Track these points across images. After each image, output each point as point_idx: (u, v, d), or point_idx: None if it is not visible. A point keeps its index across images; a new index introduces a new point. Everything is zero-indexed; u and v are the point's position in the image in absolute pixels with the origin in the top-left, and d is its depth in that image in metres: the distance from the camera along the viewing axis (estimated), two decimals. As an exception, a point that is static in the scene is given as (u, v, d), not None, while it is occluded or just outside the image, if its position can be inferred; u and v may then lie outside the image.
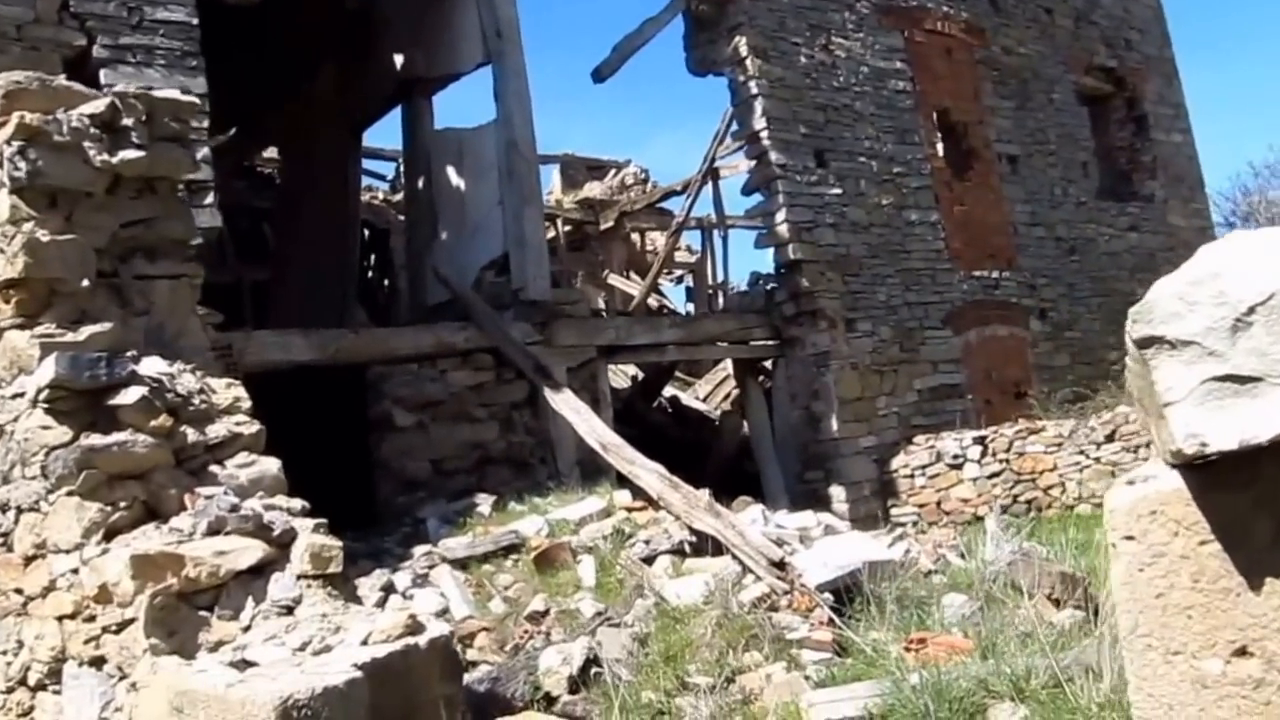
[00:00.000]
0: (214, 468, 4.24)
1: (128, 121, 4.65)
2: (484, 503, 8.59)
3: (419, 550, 7.77)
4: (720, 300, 19.16)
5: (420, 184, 11.32)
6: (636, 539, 7.77)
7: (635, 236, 22.85)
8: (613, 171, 25.31)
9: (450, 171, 11.09)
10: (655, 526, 7.99)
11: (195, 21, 7.75)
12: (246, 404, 4.52)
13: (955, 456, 11.17)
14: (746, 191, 11.92)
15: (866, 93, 12.68)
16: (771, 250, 11.77)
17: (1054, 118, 15.10)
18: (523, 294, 9.95)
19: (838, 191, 12.09)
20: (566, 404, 9.01)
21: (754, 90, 11.57)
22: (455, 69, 10.78)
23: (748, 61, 11.56)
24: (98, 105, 4.64)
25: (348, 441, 9.50)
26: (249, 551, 3.79)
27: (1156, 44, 17.13)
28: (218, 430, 4.31)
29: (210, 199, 7.70)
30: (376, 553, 8.08)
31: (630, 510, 8.21)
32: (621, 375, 15.49)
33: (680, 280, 24.54)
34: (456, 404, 9.32)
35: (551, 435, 9.59)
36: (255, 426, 4.46)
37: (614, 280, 21.27)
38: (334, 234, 12.10)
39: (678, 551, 7.53)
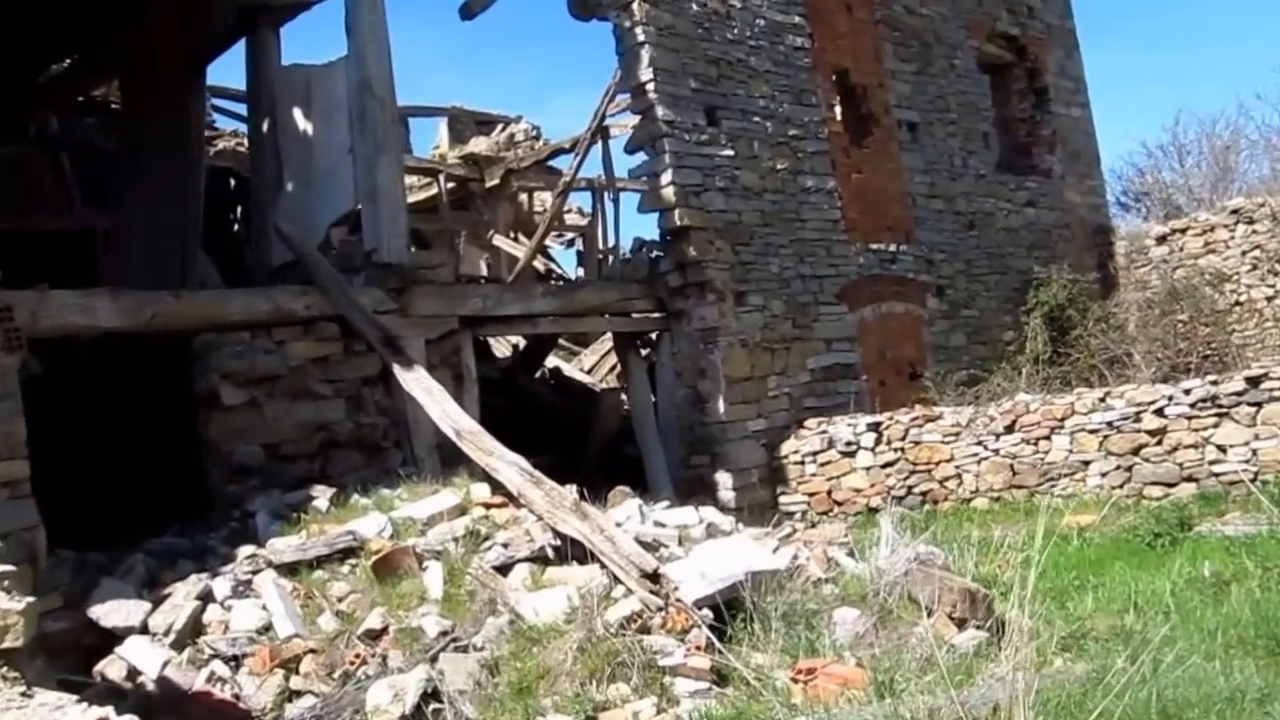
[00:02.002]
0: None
1: None
2: (321, 495, 7.53)
3: (244, 551, 6.76)
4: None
5: (265, 128, 10.08)
6: (494, 541, 6.83)
7: (524, 197, 21.70)
8: (500, 126, 24.15)
9: (297, 114, 9.88)
10: (516, 527, 7.05)
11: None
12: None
13: (848, 444, 10.46)
14: (630, 150, 10.94)
15: (762, 47, 11.78)
16: (657, 215, 10.83)
17: (955, 85, 14.47)
18: (376, 256, 8.86)
19: (729, 153, 11.19)
20: (418, 383, 7.97)
21: (640, 38, 10.57)
22: (303, -2, 9.56)
23: (634, 5, 10.54)
24: None
25: (176, 422, 8.33)
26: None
27: (1059, 13, 16.64)
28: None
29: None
30: (200, 551, 7.04)
31: (489, 507, 7.26)
32: (504, 343, 14.53)
33: (571, 244, 23.57)
34: (296, 379, 8.23)
35: (407, 416, 8.58)
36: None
37: (499, 242, 20.21)
38: (174, 181, 10.79)
39: (538, 559, 6.61)
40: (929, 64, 14.04)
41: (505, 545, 6.75)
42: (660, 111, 10.61)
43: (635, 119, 11.11)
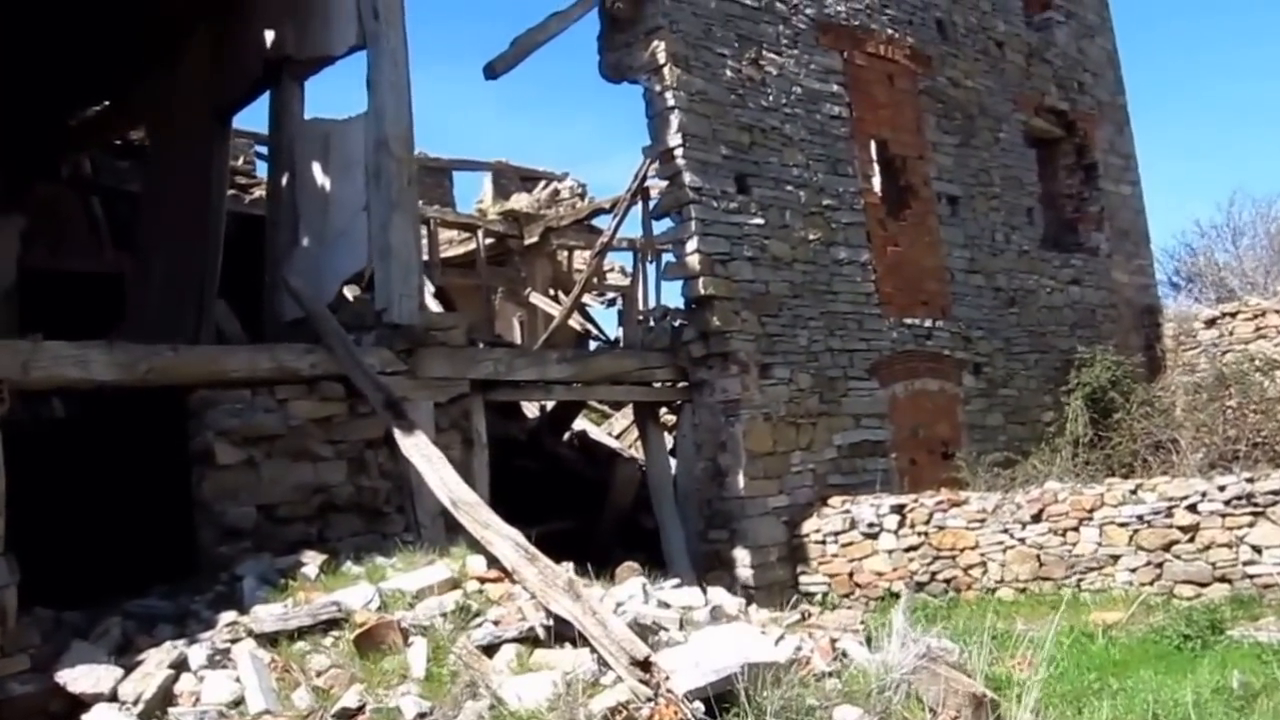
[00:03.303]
0: None
1: None
2: (311, 562, 7.25)
3: (225, 618, 6.48)
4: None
5: (284, 180, 9.97)
6: (485, 619, 6.50)
7: (563, 255, 21.66)
8: (544, 183, 24.22)
9: (315, 168, 9.76)
10: (510, 604, 6.71)
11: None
12: None
13: (871, 525, 10.05)
14: (657, 215, 10.76)
15: (798, 115, 11.57)
16: (681, 283, 10.58)
17: (999, 158, 14.18)
18: (386, 315, 8.65)
19: (759, 222, 10.94)
20: (417, 449, 7.69)
21: (670, 102, 10.39)
22: (327, 51, 9.46)
23: (666, 70, 10.39)
24: None
25: (170, 479, 8.14)
26: None
27: (1110, 89, 16.36)
28: None
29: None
30: (182, 615, 6.78)
31: (484, 582, 6.93)
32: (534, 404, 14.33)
33: (612, 304, 23.47)
34: (296, 439, 7.97)
35: (411, 481, 8.28)
36: None
37: (536, 299, 20.13)
38: (194, 228, 10.71)
39: (527, 639, 6.25)
40: (972, 137, 13.77)
41: (496, 623, 6.43)
42: (688, 178, 10.41)
43: (663, 183, 10.91)
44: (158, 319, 10.57)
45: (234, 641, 6.19)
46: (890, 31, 12.88)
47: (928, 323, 12.57)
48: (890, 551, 9.94)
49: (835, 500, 10.61)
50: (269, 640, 6.16)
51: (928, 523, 9.81)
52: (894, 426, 11.88)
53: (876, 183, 12.48)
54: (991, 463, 11.39)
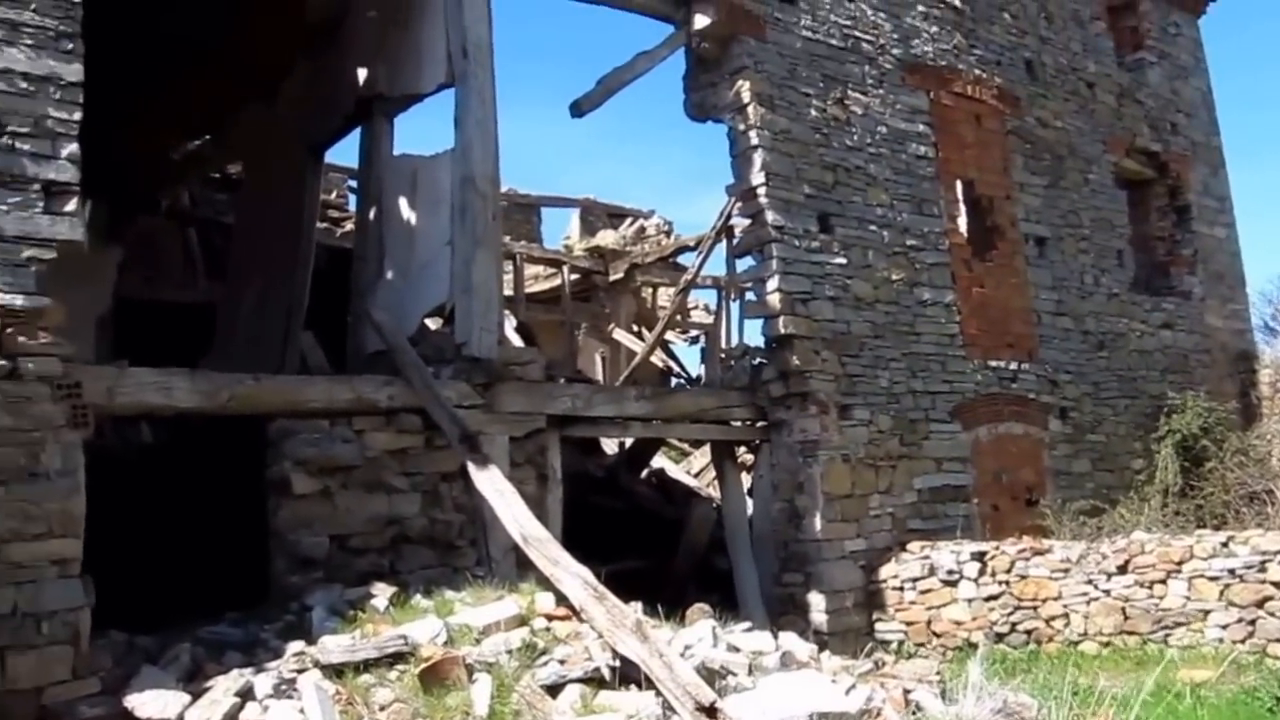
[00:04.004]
0: None
1: None
2: (381, 594, 7.27)
3: (292, 648, 6.51)
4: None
5: (371, 215, 10.15)
6: (551, 657, 6.44)
7: (648, 292, 21.70)
8: (630, 220, 24.35)
9: (403, 203, 9.90)
10: (576, 643, 6.65)
11: (78, -1, 6.59)
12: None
13: (950, 572, 9.79)
14: (738, 254, 10.71)
15: (883, 155, 11.45)
16: (761, 322, 10.50)
17: (1089, 200, 13.86)
18: (466, 349, 8.69)
19: (841, 261, 10.82)
20: (490, 483, 7.70)
21: (754, 141, 10.36)
22: (417, 89, 9.62)
23: (750, 109, 10.37)
24: None
25: (246, 507, 8.27)
26: None
27: (1204, 130, 15.94)
28: None
29: (71, 205, 6.48)
30: (251, 643, 6.81)
31: (551, 619, 6.88)
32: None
33: (696, 341, 23.44)
34: (372, 470, 8.03)
35: (484, 515, 8.27)
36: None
37: (619, 335, 20.17)
38: (283, 260, 10.95)
39: (593, 679, 6.19)
40: (1061, 178, 13.51)
41: (561, 662, 6.37)
42: (770, 216, 10.34)
43: (746, 222, 10.85)
44: (245, 348, 10.81)
45: (300, 672, 6.21)
46: (978, 72, 12.72)
47: (1013, 365, 12.29)
48: (970, 600, 9.67)
49: (914, 546, 10.36)
50: (335, 671, 6.17)
51: (1009, 571, 9.53)
52: (976, 471, 11.59)
53: (962, 223, 12.28)
54: (1077, 511, 11.08)
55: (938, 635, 9.87)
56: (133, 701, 5.86)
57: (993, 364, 12.08)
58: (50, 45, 6.49)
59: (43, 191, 6.41)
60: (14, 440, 6.12)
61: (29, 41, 6.42)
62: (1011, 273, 12.58)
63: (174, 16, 10.60)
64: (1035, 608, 9.39)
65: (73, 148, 6.53)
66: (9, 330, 6.20)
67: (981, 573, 9.68)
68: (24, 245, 6.33)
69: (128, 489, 8.17)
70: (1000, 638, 9.41)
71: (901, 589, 10.15)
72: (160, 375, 7.25)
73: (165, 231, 14.78)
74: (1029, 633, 9.39)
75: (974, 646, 9.18)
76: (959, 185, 12.29)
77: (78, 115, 6.56)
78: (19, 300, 6.25)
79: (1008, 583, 9.52)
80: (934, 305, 11.61)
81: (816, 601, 10.07)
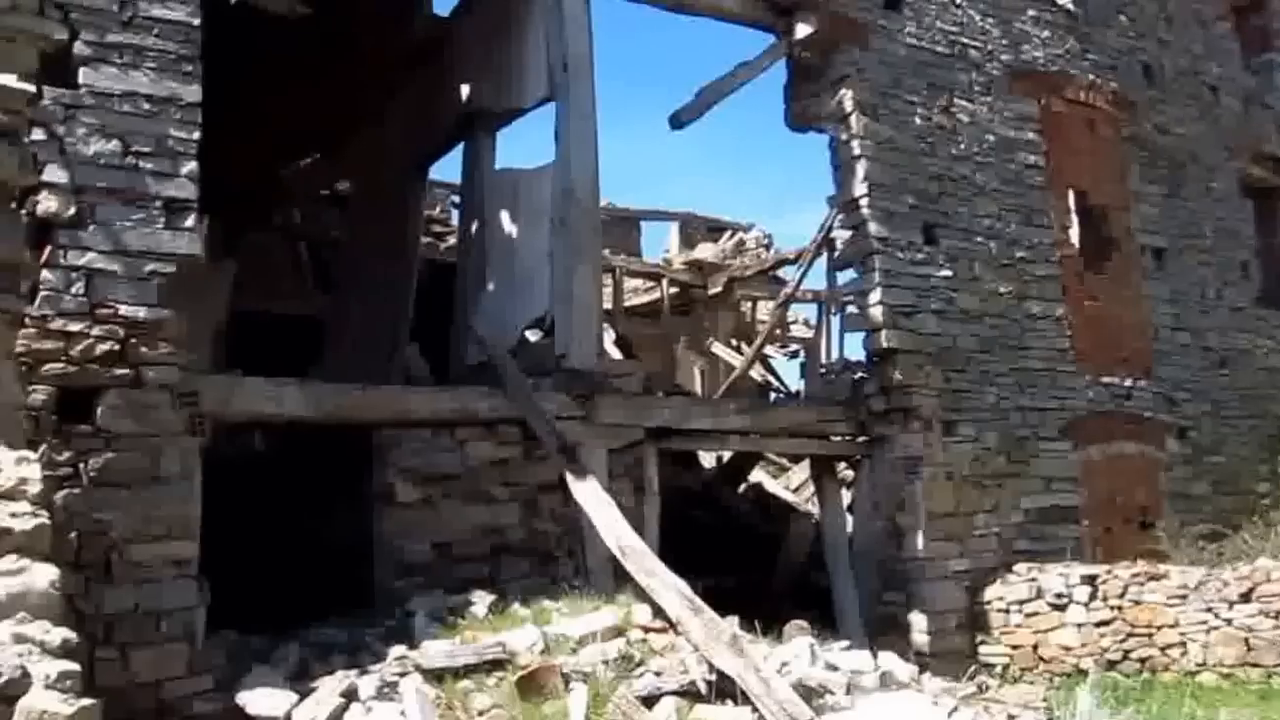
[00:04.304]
0: (-34, 574, 3.13)
1: (-68, 107, 3.64)
2: (480, 601, 7.37)
3: (394, 652, 6.63)
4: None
5: (474, 228, 10.31)
6: (647, 669, 6.44)
7: (747, 306, 21.60)
8: (729, 233, 24.30)
9: (504, 216, 10.03)
10: (672, 655, 6.64)
11: (196, 22, 6.85)
12: (35, 487, 3.41)
13: (1059, 595, 9.49)
14: (839, 266, 10.56)
15: (990, 164, 11.19)
16: (863, 335, 10.36)
17: (1211, 209, 13.34)
18: (565, 361, 8.76)
19: (947, 274, 10.60)
20: (589, 494, 7.75)
21: (856, 151, 10.23)
22: (518, 103, 9.75)
23: (852, 118, 10.24)
24: (-101, 84, 3.63)
25: (353, 513, 8.46)
26: (-58, 712, 2.64)
27: (1338, 136, 15.20)
28: (-18, 523, 3.21)
29: (190, 221, 6.73)
30: (356, 646, 6.97)
31: (647, 631, 6.87)
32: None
33: (795, 356, 23.22)
34: (473, 480, 8.15)
35: (582, 526, 8.32)
36: (35, 521, 3.33)
37: (718, 349, 20.11)
38: (389, 273, 11.20)
39: (688, 693, 6.16)
40: (1181, 186, 13.04)
41: (657, 674, 6.36)
42: (873, 228, 10.19)
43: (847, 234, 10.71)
44: (352, 359, 11.06)
45: (402, 675, 6.32)
46: (1092, 77, 12.36)
47: (1128, 382, 11.88)
48: (1079, 625, 9.35)
49: (1021, 567, 10.07)
50: (435, 676, 6.27)
51: (1122, 596, 9.19)
52: (1087, 491, 11.21)
53: (1074, 234, 11.92)
54: (1195, 535, 10.64)
55: (1044, 661, 9.57)
56: (244, 699, 6.04)
57: (1106, 380, 11.69)
58: (171, 68, 6.76)
59: (164, 208, 6.67)
60: (137, 445, 6.38)
61: (152, 65, 6.70)
62: (1127, 286, 12.18)
63: (287, 40, 10.94)
64: (1150, 635, 9.04)
65: (192, 166, 6.78)
66: (132, 341, 6.46)
67: (1092, 597, 9.36)
68: (146, 260, 6.59)
69: (240, 494, 8.42)
70: (1111, 665, 9.07)
71: (1007, 611, 9.88)
72: (272, 385, 7.47)
73: (278, 247, 15.24)
74: (1143, 661, 9.04)
75: (1083, 673, 8.87)
76: (1071, 195, 11.94)
77: (196, 135, 6.81)
78: (142, 312, 6.51)
79: (1120, 608, 9.18)
80: (1044, 319, 11.30)
81: (918, 622, 9.85)
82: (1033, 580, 9.78)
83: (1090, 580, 9.40)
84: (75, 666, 3.02)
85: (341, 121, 12.43)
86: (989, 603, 9.95)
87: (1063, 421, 11.20)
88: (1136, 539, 11.04)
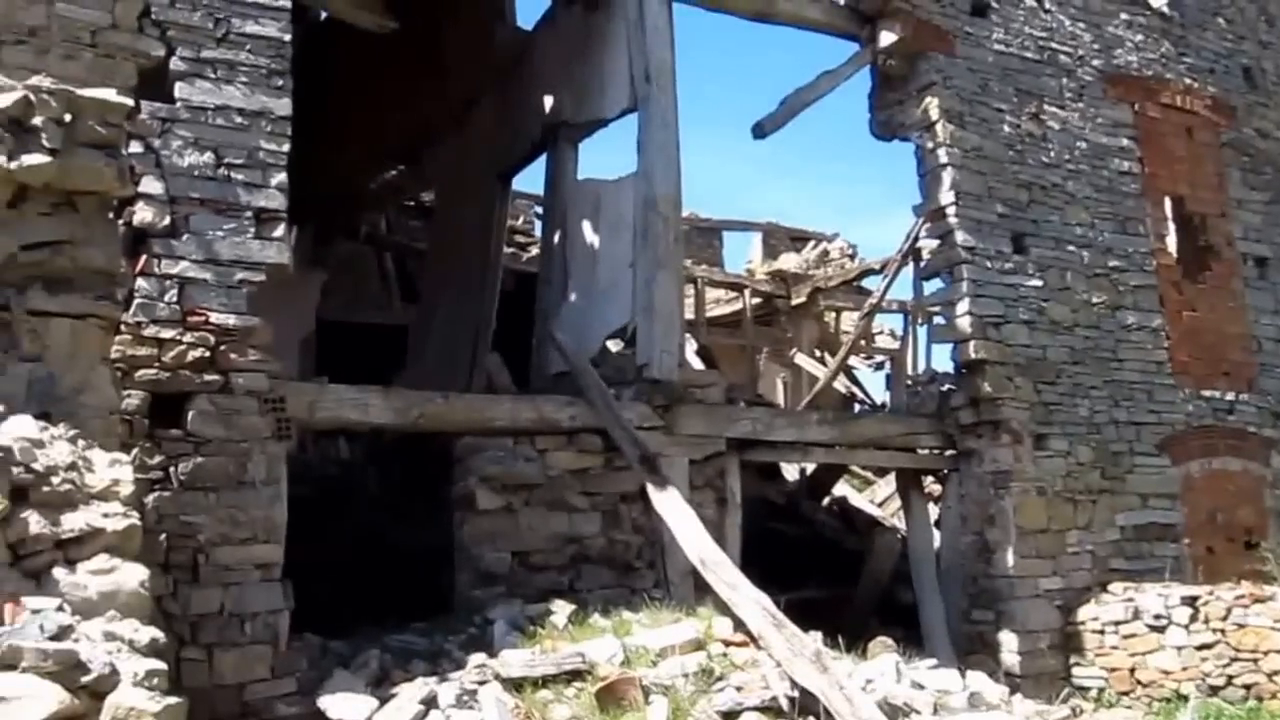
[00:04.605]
0: (59, 571, 3.18)
1: (38, 120, 3.71)
2: (560, 611, 7.35)
3: (474, 660, 6.64)
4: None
5: (556, 239, 10.34)
6: (727, 683, 6.35)
7: (831, 316, 21.38)
8: (813, 243, 24.10)
9: (586, 226, 10.05)
10: (754, 670, 6.54)
11: (287, 38, 6.99)
12: (127, 489, 3.45)
13: (1157, 616, 9.15)
14: (926, 276, 10.36)
15: (1082, 171, 10.91)
16: (950, 346, 10.15)
17: (1319, 217, 12.83)
18: (646, 371, 8.71)
19: (1037, 283, 10.34)
20: (670, 505, 7.69)
21: (943, 159, 10.04)
22: (601, 114, 9.77)
23: (938, 126, 10.06)
24: (6, 99, 3.72)
25: (432, 520, 8.53)
26: (33, 704, 2.67)
27: None
28: (76, 521, 3.25)
29: (279, 231, 6.85)
30: (436, 653, 7.01)
31: (729, 645, 6.78)
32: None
33: (880, 367, 22.91)
34: (554, 489, 8.15)
35: (663, 537, 8.28)
36: (126, 521, 3.37)
37: (801, 360, 19.92)
38: (472, 283, 11.28)
39: (769, 709, 6.06)
40: (1286, 192, 12.57)
41: (738, 689, 6.27)
42: (960, 237, 9.99)
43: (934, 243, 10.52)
44: (435, 368, 11.16)
45: (481, 683, 6.32)
46: (1188, 81, 12.00)
47: (1229, 395, 11.44)
48: (1179, 648, 8.98)
49: (1117, 586, 9.74)
50: (514, 685, 6.26)
51: (1225, 619, 8.82)
52: (1187, 509, 10.81)
53: (1171, 242, 11.54)
54: (1305, 556, 10.23)
55: (1142, 685, 9.21)
56: (325, 703, 6.09)
57: (1206, 394, 11.29)
58: (263, 83, 6.91)
59: (254, 218, 6.81)
60: (225, 450, 6.51)
61: (244, 79, 6.86)
62: (1227, 296, 11.76)
63: (375, 53, 11.13)
64: (1255, 660, 8.63)
65: (281, 177, 6.91)
66: (222, 347, 6.60)
67: (1193, 619, 9.00)
68: (237, 268, 6.72)
69: (325, 499, 8.53)
70: (1214, 691, 8.69)
71: (1102, 632, 9.55)
72: (357, 392, 7.55)
73: (363, 257, 15.49)
74: (1248, 687, 8.63)
75: (1184, 698, 8.57)
76: (1167, 202, 11.58)
77: (286, 147, 6.95)
78: (232, 319, 6.64)
79: (1223, 631, 8.81)
80: (1139, 330, 10.97)
81: (1008, 641, 9.58)
82: (1129, 600, 9.45)
83: (1191, 601, 9.04)
84: (162, 665, 3.04)
85: (426, 132, 12.60)
86: (1083, 623, 9.64)
87: (1160, 436, 10.83)
88: (1240, 559, 10.61)
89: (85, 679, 2.82)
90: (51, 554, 3.25)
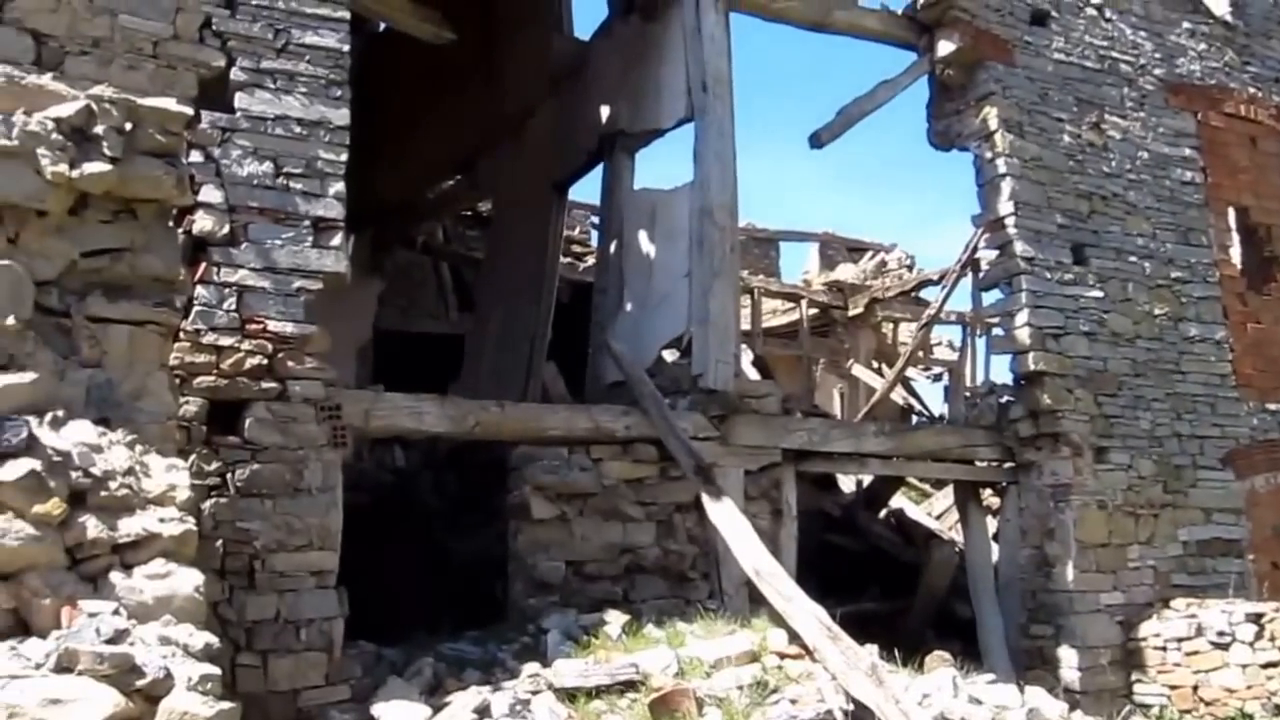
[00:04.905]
0: (116, 575, 3.22)
1: (99, 129, 3.78)
2: (614, 621, 7.33)
3: (527, 669, 6.64)
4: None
5: (612, 248, 10.36)
6: (782, 695, 6.31)
7: (888, 327, 21.23)
8: (870, 254, 23.96)
9: (642, 236, 10.06)
10: (808, 683, 6.49)
11: (345, 49, 7.07)
12: (184, 494, 3.49)
13: (1221, 634, 8.94)
14: (984, 287, 10.25)
15: (1144, 181, 10.73)
16: (1009, 358, 10.01)
17: (1389, 227, 12.50)
18: (702, 381, 8.69)
19: (1097, 294, 10.18)
20: (725, 515, 7.65)
21: (1001, 169, 9.92)
22: (657, 124, 9.79)
23: (997, 136, 9.94)
24: (68, 108, 3.79)
25: (486, 529, 8.57)
26: (88, 707, 2.70)
27: None
28: (132, 526, 3.30)
29: (337, 240, 6.92)
30: (489, 662, 7.04)
31: (783, 657, 6.74)
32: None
33: (939, 379, 22.69)
34: (608, 499, 8.14)
35: (717, 548, 8.24)
36: (183, 526, 3.40)
37: (858, 371, 19.79)
38: (528, 292, 11.33)
39: (825, 722, 6.03)
40: (1355, 204, 12.26)
41: (793, 702, 6.23)
42: (1019, 247, 9.85)
43: (993, 254, 10.39)
44: (490, 377, 11.22)
45: (534, 693, 6.32)
46: (1253, 90, 11.76)
47: (1295, 409, 11.20)
48: (1244, 666, 8.78)
49: (1179, 603, 9.55)
50: (567, 695, 6.25)
51: (1291, 637, 8.63)
52: (1252, 524, 10.56)
53: (1235, 253, 11.31)
54: (1375, 575, 9.96)
55: (1206, 703, 9.01)
56: (378, 710, 6.11)
57: (1271, 407, 11.03)
58: (321, 93, 6.99)
59: (312, 227, 6.88)
60: (281, 457, 6.56)
61: (303, 90, 6.94)
62: (1293, 308, 11.51)
63: (432, 64, 11.24)
64: (1322, 678, 8.45)
65: (339, 186, 6.98)
66: (280, 355, 6.67)
67: (1258, 636, 8.79)
68: (294, 276, 6.80)
69: (381, 508, 8.60)
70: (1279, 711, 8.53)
71: (1164, 649, 9.36)
72: (412, 400, 7.61)
73: (421, 266, 15.62)
74: (1314, 706, 8.46)
75: (1248, 717, 8.38)
76: (1231, 212, 11.35)
77: (344, 156, 7.02)
78: (289, 327, 6.71)
79: (1289, 649, 8.62)
80: (1202, 342, 10.75)
81: (1068, 657, 9.42)
82: (1192, 617, 9.25)
83: (1256, 619, 8.83)
84: (216, 670, 3.07)
85: (483, 142, 12.69)
86: (1144, 639, 9.45)
87: (1224, 450, 10.61)
88: (1306, 576, 10.37)
89: (140, 682, 2.85)
90: (108, 558, 3.30)
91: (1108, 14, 11.04)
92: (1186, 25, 11.59)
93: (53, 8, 6.16)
